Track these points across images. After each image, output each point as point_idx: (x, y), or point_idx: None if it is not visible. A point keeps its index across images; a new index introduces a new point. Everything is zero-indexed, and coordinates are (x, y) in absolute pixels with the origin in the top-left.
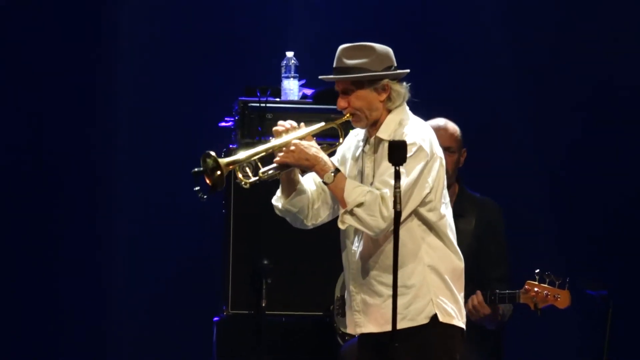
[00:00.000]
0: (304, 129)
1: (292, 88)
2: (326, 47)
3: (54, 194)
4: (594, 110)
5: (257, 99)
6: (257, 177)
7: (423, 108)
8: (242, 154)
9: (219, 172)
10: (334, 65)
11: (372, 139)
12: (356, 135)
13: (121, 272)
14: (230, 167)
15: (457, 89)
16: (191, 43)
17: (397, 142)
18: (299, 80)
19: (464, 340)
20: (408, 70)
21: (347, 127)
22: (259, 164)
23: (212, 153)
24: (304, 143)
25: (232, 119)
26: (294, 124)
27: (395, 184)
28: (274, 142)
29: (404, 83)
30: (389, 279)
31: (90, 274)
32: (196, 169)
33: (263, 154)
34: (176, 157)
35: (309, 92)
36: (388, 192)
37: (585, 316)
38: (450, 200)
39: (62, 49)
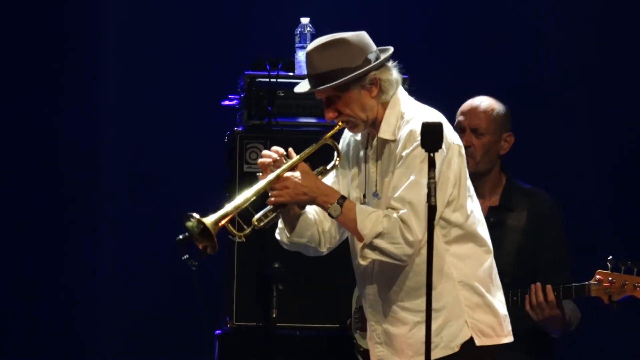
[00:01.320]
0: (294, 157)
1: None
2: (346, 11)
3: (41, 207)
4: None
5: (266, 73)
6: (251, 227)
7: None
8: (229, 206)
9: (207, 234)
10: (307, 72)
11: (374, 141)
12: (352, 134)
13: (112, 278)
14: (220, 223)
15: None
16: (190, 9)
17: (431, 123)
18: None
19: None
20: (391, 49)
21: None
22: (251, 210)
23: (195, 215)
24: (297, 174)
25: (237, 97)
26: (281, 150)
27: (429, 174)
28: (261, 182)
29: (391, 64)
30: (414, 304)
31: (80, 283)
32: (181, 236)
33: (253, 198)
34: (174, 144)
35: None
36: (407, 211)
37: None
38: (496, 192)
39: (44, 30)
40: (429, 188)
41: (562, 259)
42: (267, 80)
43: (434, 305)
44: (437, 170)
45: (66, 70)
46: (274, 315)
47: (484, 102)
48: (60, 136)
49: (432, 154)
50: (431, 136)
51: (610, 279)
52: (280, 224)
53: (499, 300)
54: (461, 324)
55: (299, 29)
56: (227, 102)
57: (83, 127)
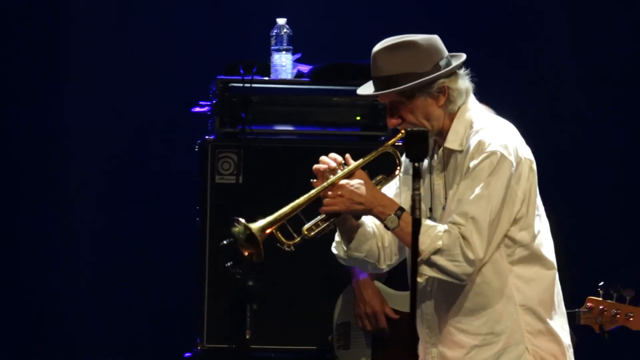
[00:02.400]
0: (352, 164)
1: (284, 64)
2: (326, 12)
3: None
4: None
5: (240, 77)
6: (301, 236)
7: None
8: (277, 213)
9: (254, 241)
10: (372, 74)
11: (440, 151)
12: None
13: (80, 287)
14: (267, 230)
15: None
16: (160, 10)
17: (416, 131)
18: (292, 53)
19: None
20: (464, 57)
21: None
22: (302, 217)
23: (242, 220)
24: (354, 182)
25: (208, 103)
26: (339, 158)
27: (414, 184)
28: (316, 188)
29: (462, 72)
30: (472, 326)
31: (49, 290)
32: (225, 242)
33: (305, 205)
34: (144, 153)
35: (305, 68)
36: (470, 228)
37: None
38: None
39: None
40: (413, 200)
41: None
42: (241, 85)
43: (494, 328)
44: (505, 187)
45: (36, 73)
46: (247, 337)
47: None
48: (28, 139)
49: (416, 164)
50: (416, 145)
51: (601, 307)
52: (337, 237)
53: (562, 328)
54: (521, 350)
55: (275, 31)
56: (198, 109)
57: (52, 131)
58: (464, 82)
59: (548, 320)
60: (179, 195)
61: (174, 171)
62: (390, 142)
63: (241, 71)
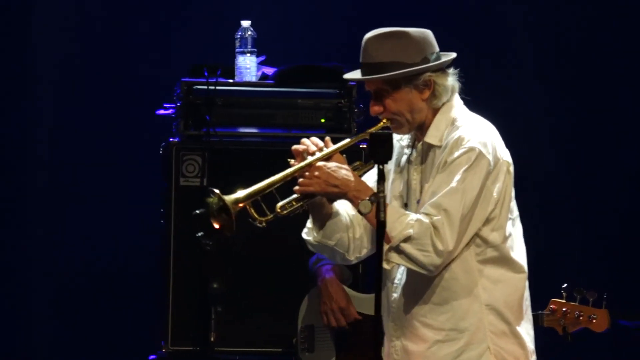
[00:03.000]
0: (331, 147)
1: (248, 66)
2: (290, 14)
3: None
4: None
5: (204, 80)
6: (274, 214)
7: None
8: (255, 187)
9: (226, 213)
10: (361, 59)
11: (419, 145)
12: (399, 139)
13: (42, 289)
14: (241, 204)
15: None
16: (123, 11)
17: (380, 134)
18: (257, 56)
19: None
20: (454, 55)
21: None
22: (277, 195)
23: (216, 190)
24: (331, 165)
25: (172, 106)
26: (320, 143)
27: (378, 187)
28: (293, 167)
29: (451, 70)
30: (437, 321)
31: (8, 289)
32: (198, 211)
33: (280, 183)
34: (107, 155)
35: (270, 71)
36: (441, 219)
37: (617, 352)
38: None
39: None
40: (378, 203)
41: None
42: (205, 87)
43: (458, 324)
44: (480, 184)
45: (2, 75)
46: (212, 339)
47: None
48: None
49: (381, 167)
50: (380, 147)
51: (564, 309)
52: (309, 223)
53: (528, 333)
54: (483, 349)
55: (240, 33)
56: (162, 111)
57: (15, 132)
58: (451, 80)
59: (513, 323)
60: (143, 197)
61: (138, 174)
62: (370, 130)
63: (205, 73)
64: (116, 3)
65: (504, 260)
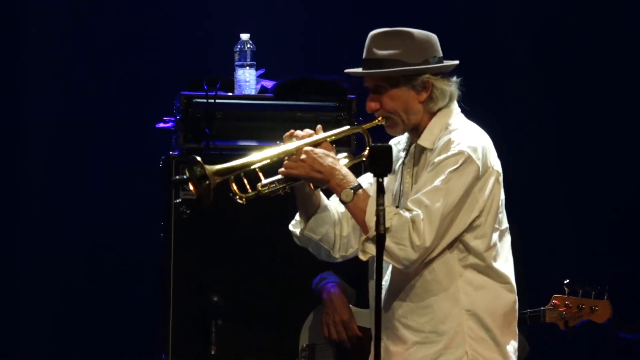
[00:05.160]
0: (321, 134)
1: (247, 79)
2: (289, 27)
3: None
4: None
5: (203, 93)
6: (255, 192)
7: None
8: (237, 161)
9: (206, 182)
10: (363, 55)
11: (412, 148)
12: (397, 143)
13: (42, 314)
14: (220, 177)
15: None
16: (123, 24)
17: (380, 146)
18: (256, 69)
19: None
20: (456, 62)
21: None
22: (261, 175)
23: (198, 158)
24: (318, 151)
25: (172, 119)
26: (310, 131)
27: (377, 200)
28: (280, 147)
29: (453, 78)
30: (417, 322)
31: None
32: (177, 177)
33: (265, 162)
34: (106, 169)
35: (269, 84)
36: (421, 215)
37: None
38: None
39: None
40: (377, 215)
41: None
42: (205, 100)
43: (438, 327)
44: (465, 188)
45: None
46: (212, 353)
47: None
48: None
49: (380, 179)
50: (380, 160)
51: (566, 303)
52: (297, 217)
53: (510, 344)
54: (461, 354)
55: (239, 46)
56: (162, 125)
57: (8, 141)
58: (450, 86)
59: (495, 331)
60: (143, 211)
61: (138, 187)
62: (365, 125)
63: (205, 87)
64: (115, 17)
65: (487, 269)
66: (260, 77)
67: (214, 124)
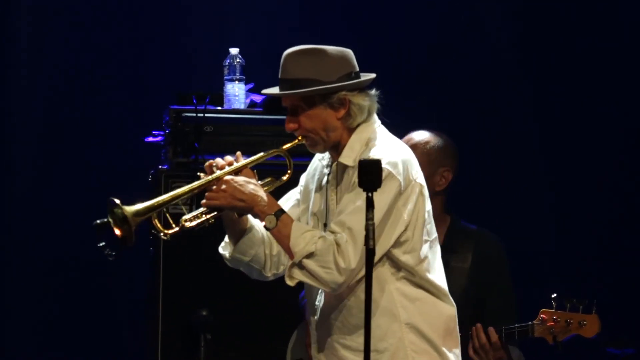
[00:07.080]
0: (240, 162)
1: (237, 93)
2: (280, 42)
3: None
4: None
5: (193, 107)
6: (180, 226)
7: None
8: (158, 198)
9: (127, 225)
10: (279, 75)
11: (334, 165)
12: (321, 159)
13: (33, 330)
14: (140, 217)
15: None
16: (112, 38)
17: (369, 161)
18: (245, 83)
19: None
20: (373, 76)
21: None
22: (184, 208)
23: (117, 201)
24: (239, 179)
25: (161, 133)
26: (230, 159)
27: (367, 215)
28: (201, 180)
29: (372, 91)
30: (354, 341)
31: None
32: (98, 221)
33: (186, 196)
34: (96, 182)
35: (258, 98)
36: (344, 237)
37: None
38: (439, 233)
39: None
40: (367, 230)
41: (509, 306)
42: (194, 115)
43: (377, 345)
44: (388, 205)
45: None
46: None
47: (420, 135)
48: None
49: (370, 194)
50: (369, 175)
51: (554, 317)
52: (226, 238)
53: (453, 353)
54: None
55: (228, 60)
56: (151, 139)
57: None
58: (368, 100)
59: (436, 341)
60: None
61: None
62: (284, 147)
63: (194, 101)
64: (105, 31)
65: (422, 281)
66: (249, 91)
67: (203, 138)
